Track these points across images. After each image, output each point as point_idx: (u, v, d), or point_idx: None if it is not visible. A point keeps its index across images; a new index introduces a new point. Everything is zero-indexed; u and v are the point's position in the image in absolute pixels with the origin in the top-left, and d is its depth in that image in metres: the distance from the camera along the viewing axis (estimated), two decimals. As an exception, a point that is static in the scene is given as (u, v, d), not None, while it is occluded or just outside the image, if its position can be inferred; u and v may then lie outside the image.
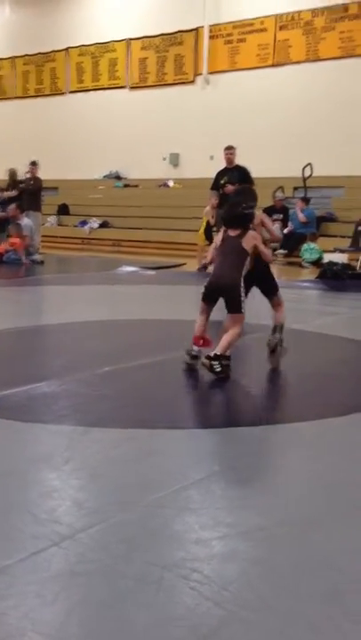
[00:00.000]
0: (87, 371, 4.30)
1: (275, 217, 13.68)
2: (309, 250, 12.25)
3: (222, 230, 4.56)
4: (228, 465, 2.80)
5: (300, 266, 12.13)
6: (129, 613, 1.77)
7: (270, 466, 2.85)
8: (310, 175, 13.91)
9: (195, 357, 4.42)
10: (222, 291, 4.40)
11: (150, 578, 1.92)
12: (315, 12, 15.34)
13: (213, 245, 4.70)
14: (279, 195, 14.09)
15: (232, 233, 4.45)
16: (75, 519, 2.28)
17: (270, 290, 4.71)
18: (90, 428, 3.20)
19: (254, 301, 4.72)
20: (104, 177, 18.94)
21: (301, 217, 13.21)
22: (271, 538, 2.20)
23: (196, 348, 4.46)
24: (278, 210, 13.85)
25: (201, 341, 4.46)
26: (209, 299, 4.51)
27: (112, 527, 2.22)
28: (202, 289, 4.53)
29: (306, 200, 13.77)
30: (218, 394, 4.07)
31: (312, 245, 12.27)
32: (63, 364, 4.71)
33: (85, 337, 5.65)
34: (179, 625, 1.72)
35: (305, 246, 12.38)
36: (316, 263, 11.87)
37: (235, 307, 4.34)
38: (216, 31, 16.85)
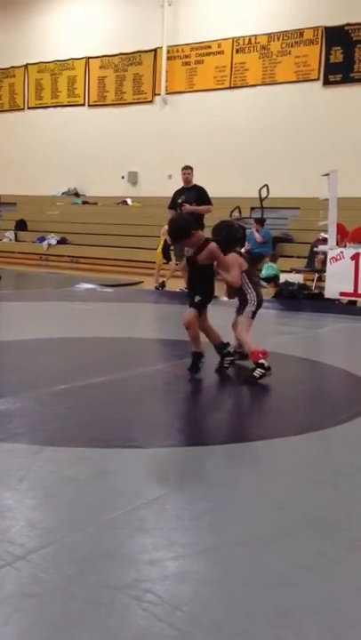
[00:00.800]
0: (42, 389, 4.26)
1: None
2: (268, 268, 12.44)
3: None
4: (182, 484, 2.81)
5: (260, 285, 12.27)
6: (81, 635, 1.76)
7: (224, 485, 2.86)
8: (267, 196, 14.11)
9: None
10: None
11: (103, 599, 1.91)
12: (271, 36, 15.65)
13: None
14: (235, 215, 14.26)
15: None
16: (28, 539, 2.26)
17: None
18: (44, 447, 3.18)
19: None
20: (63, 193, 18.92)
21: (258, 237, 13.37)
22: (225, 557, 2.21)
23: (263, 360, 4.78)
24: (235, 230, 13.96)
25: (262, 354, 4.82)
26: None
27: (65, 548, 2.21)
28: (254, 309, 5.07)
29: (261, 221, 13.95)
30: (172, 413, 4.08)
31: (272, 265, 12.47)
32: (18, 381, 4.66)
33: (41, 354, 5.61)
34: (131, 646, 1.71)
35: (265, 266, 12.54)
36: (271, 280, 12.06)
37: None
38: (174, 52, 17.07)
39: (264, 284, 12.23)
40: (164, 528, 2.39)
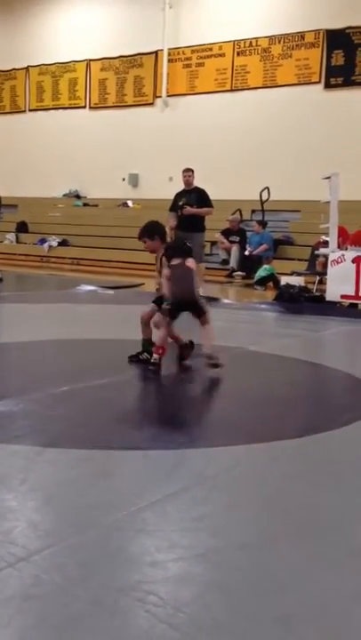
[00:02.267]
0: (44, 390, 4.27)
1: (231, 239, 13.85)
2: (262, 270, 12.48)
3: (166, 265, 5.27)
4: (183, 486, 2.81)
5: (255, 288, 12.33)
6: (83, 637, 1.76)
7: (225, 488, 2.87)
8: (268, 199, 14.13)
9: (156, 364, 4.89)
10: (188, 305, 5.07)
11: (105, 601, 1.92)
12: (272, 39, 15.67)
13: (164, 276, 5.27)
14: (235, 217, 14.29)
15: (175, 262, 5.18)
16: (30, 541, 2.26)
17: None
18: (46, 449, 3.18)
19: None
20: (63, 195, 18.93)
21: (263, 248, 13.43)
22: (226, 560, 2.22)
23: (156, 356, 4.93)
24: (235, 232, 14.02)
25: (161, 350, 4.99)
26: (174, 314, 5.09)
27: (67, 549, 2.21)
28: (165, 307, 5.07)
29: (263, 223, 13.97)
30: (174, 415, 4.09)
31: (266, 267, 12.50)
32: (20, 383, 4.67)
33: (43, 356, 5.62)
34: (133, 648, 1.72)
35: (260, 269, 12.58)
36: (265, 281, 12.09)
37: (202, 311, 5.08)
38: (175, 55, 17.09)
39: (258, 287, 12.26)
40: (165, 530, 2.40)
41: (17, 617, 1.83)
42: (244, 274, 13.35)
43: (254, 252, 13.49)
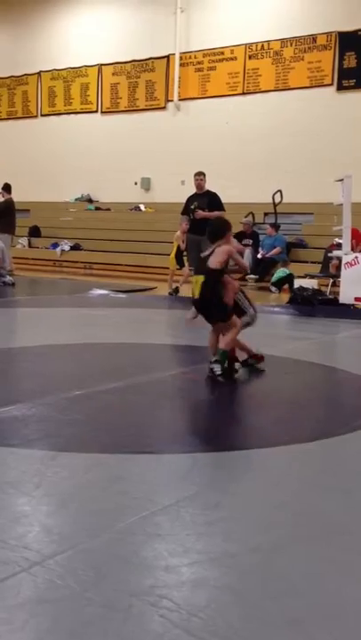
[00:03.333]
0: (57, 394, 4.28)
1: (244, 242, 13.84)
2: (280, 272, 12.45)
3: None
4: (196, 491, 2.81)
5: (270, 290, 12.31)
6: (98, 641, 1.76)
7: (239, 492, 2.86)
8: (280, 202, 14.10)
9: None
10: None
11: (119, 605, 1.92)
12: (284, 41, 15.65)
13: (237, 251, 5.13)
14: (247, 220, 14.29)
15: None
16: (44, 545, 2.26)
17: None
18: (59, 453, 3.19)
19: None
20: (75, 200, 18.99)
21: (276, 250, 13.42)
22: (240, 564, 2.21)
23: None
24: (248, 235, 14.01)
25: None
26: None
27: (81, 554, 2.22)
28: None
29: (276, 226, 13.95)
30: (187, 419, 4.08)
31: (284, 269, 12.48)
32: (33, 387, 4.68)
33: (56, 360, 5.63)
34: (148, 652, 1.72)
35: (277, 271, 12.56)
36: (281, 283, 12.07)
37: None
38: (187, 59, 17.11)
39: (273, 289, 12.24)
40: (179, 534, 2.39)
41: (31, 621, 1.84)
42: (257, 277, 13.33)
43: (267, 255, 13.48)
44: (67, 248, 17.02)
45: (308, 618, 1.91)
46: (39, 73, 19.94)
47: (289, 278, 12.13)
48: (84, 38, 18.78)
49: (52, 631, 1.80)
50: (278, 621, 1.89)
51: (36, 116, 20.15)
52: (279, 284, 12.24)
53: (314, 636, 1.82)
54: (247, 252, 13.68)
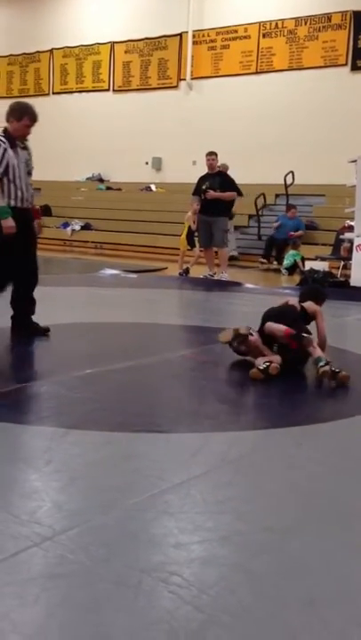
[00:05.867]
0: (69, 373, 4.29)
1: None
2: (290, 256, 12.36)
3: None
4: (207, 469, 2.81)
5: (281, 272, 12.26)
6: (108, 617, 1.77)
7: (250, 471, 2.86)
8: (292, 183, 14.00)
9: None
10: None
11: (129, 581, 1.93)
12: (298, 20, 15.46)
13: None
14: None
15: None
16: (55, 521, 2.27)
17: None
18: (70, 430, 3.20)
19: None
20: (86, 179, 18.93)
21: (300, 233, 13.24)
22: (251, 543, 2.21)
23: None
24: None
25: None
26: None
27: (92, 530, 2.22)
28: None
29: (292, 207, 13.80)
30: (197, 399, 4.08)
31: (294, 252, 12.38)
32: (45, 365, 4.69)
33: (67, 339, 5.63)
34: (158, 629, 1.72)
35: (287, 254, 12.47)
36: (293, 268, 12.01)
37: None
38: (200, 37, 16.94)
39: (284, 271, 12.18)
40: (189, 512, 2.40)
41: (43, 595, 1.85)
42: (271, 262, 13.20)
43: (291, 236, 13.20)
44: (77, 228, 16.98)
45: (319, 598, 1.91)
46: (51, 50, 19.80)
47: (302, 258, 12.05)
48: (96, 15, 18.61)
49: (63, 606, 1.81)
50: (289, 600, 1.89)
51: (47, 94, 20.04)
52: (292, 268, 12.14)
53: (325, 616, 1.82)
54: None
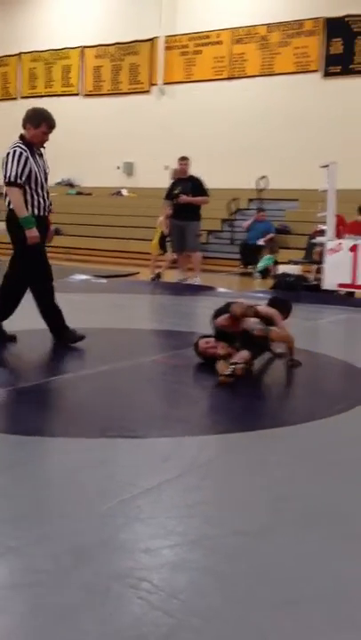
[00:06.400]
0: (38, 379, 4.24)
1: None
2: (265, 260, 12.42)
3: None
4: (178, 474, 2.78)
5: (254, 276, 12.30)
6: (77, 624, 1.74)
7: (220, 475, 2.84)
8: (265, 188, 14.07)
9: None
10: None
11: (98, 588, 1.89)
12: (270, 26, 15.56)
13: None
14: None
15: None
16: (23, 529, 2.23)
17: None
18: (42, 438, 3.15)
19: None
20: (56, 184, 18.79)
21: (270, 236, 13.28)
22: (221, 547, 2.19)
23: None
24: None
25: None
26: None
27: (61, 537, 2.19)
28: None
29: (261, 210, 13.86)
30: (169, 403, 4.05)
31: (270, 257, 12.44)
32: (15, 372, 4.63)
33: (37, 345, 5.57)
34: (126, 635, 1.70)
35: (263, 258, 12.52)
36: (265, 272, 12.05)
37: None
38: (172, 42, 16.96)
39: (257, 275, 12.22)
40: (159, 517, 2.37)
41: (11, 604, 1.81)
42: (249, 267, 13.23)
43: (260, 242, 13.27)
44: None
45: (291, 600, 1.89)
46: (19, 54, 19.67)
47: (275, 262, 12.11)
48: (66, 19, 18.53)
49: (33, 614, 1.78)
50: (259, 603, 1.87)
51: (15, 98, 19.87)
52: (265, 272, 12.19)
53: (295, 618, 1.81)
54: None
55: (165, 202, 10.64)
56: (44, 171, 5.38)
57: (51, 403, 3.76)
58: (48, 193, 5.41)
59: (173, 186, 10.48)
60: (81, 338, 5.33)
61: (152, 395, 4.20)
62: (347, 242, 9.18)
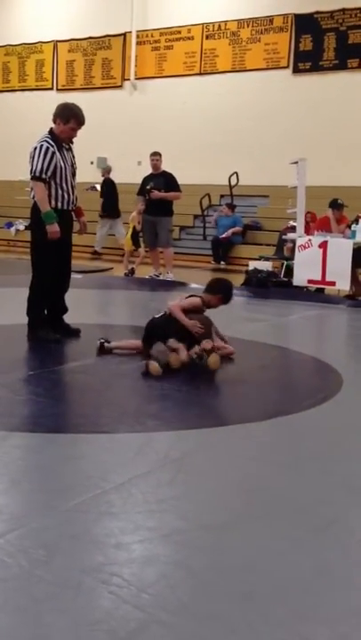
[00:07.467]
0: (10, 375, 4.24)
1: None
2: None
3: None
4: (149, 469, 2.82)
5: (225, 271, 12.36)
6: (47, 619, 1.76)
7: (191, 470, 2.88)
8: (236, 184, 14.13)
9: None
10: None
11: (69, 583, 1.92)
12: (241, 22, 15.61)
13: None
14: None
15: None
16: (-6, 525, 2.25)
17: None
18: (12, 433, 3.16)
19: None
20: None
21: (237, 229, 13.38)
22: (191, 541, 2.23)
23: None
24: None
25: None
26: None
27: (31, 532, 2.21)
28: None
29: (232, 207, 13.96)
30: (141, 399, 4.09)
31: None
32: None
33: (9, 340, 5.56)
34: (97, 629, 1.73)
35: None
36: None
37: None
38: (143, 37, 16.94)
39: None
40: (130, 512, 2.40)
41: (-20, 600, 1.83)
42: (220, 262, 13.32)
43: (224, 236, 13.44)
44: (21, 227, 16.77)
45: (259, 592, 1.94)
46: (-7, 48, 19.52)
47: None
48: (39, 14, 18.42)
49: (3, 609, 1.80)
50: (229, 596, 1.91)
51: (-11, 92, 19.73)
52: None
53: (265, 610, 1.86)
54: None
55: (138, 197, 10.65)
56: (72, 165, 5.44)
57: (21, 399, 3.77)
58: (74, 188, 5.47)
59: (146, 181, 10.48)
60: (75, 332, 5.60)
61: (123, 390, 4.22)
62: (316, 238, 9.27)
